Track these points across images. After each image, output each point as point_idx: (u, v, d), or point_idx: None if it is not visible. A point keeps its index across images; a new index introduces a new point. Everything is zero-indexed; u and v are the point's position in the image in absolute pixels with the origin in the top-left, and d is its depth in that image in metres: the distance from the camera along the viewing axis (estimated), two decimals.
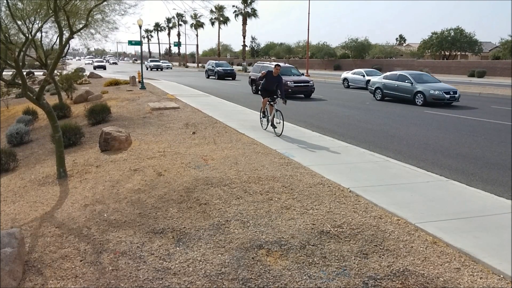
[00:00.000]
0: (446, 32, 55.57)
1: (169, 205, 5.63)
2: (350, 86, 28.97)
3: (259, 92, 11.05)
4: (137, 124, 12.08)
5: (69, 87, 20.60)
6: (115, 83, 27.84)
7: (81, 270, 4.08)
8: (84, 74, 32.75)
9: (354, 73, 29.44)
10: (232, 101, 18.46)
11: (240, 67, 59.63)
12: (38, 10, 13.18)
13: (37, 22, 13.81)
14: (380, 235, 4.64)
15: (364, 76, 27.83)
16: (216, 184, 6.32)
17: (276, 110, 10.34)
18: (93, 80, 33.20)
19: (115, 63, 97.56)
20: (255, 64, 25.77)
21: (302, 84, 21.25)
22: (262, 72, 11.34)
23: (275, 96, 10.60)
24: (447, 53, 57.64)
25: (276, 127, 10.40)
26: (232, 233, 4.73)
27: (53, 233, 5.02)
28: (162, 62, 66.42)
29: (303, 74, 22.41)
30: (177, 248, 4.44)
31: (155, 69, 60.58)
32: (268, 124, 10.80)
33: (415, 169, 7.43)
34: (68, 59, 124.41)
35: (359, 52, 63.68)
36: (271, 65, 21.77)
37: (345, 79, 29.83)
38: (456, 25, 64.63)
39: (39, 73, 39.66)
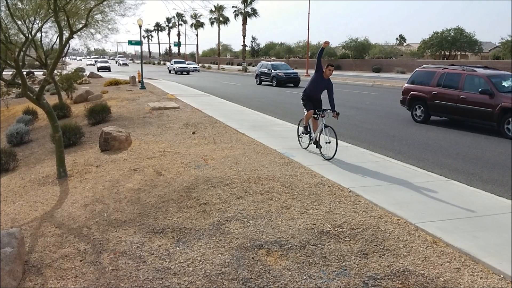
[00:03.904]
0: (446, 32, 55.52)
1: (169, 204, 5.63)
2: None
3: (302, 101, 8.61)
4: (137, 124, 12.08)
5: (69, 87, 20.62)
6: (115, 83, 27.85)
7: (81, 270, 4.08)
8: (84, 74, 32.78)
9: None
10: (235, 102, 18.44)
11: (240, 67, 59.67)
12: (38, 10, 13.18)
13: (37, 22, 13.82)
14: (380, 235, 4.64)
15: None
16: (216, 184, 6.32)
17: (325, 126, 7.90)
18: (93, 80, 33.22)
19: (126, 64, 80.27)
20: (418, 70, 14.61)
21: None
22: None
23: (324, 109, 8.14)
24: (447, 53, 57.59)
25: (321, 147, 8.10)
26: (232, 233, 4.73)
27: (53, 233, 5.03)
28: (188, 64, 52.05)
29: None
30: (177, 248, 4.44)
31: (180, 73, 47.16)
32: (310, 143, 8.57)
33: (415, 169, 7.44)
34: (73, 59, 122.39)
35: (359, 52, 63.67)
36: (446, 69, 12.92)
37: None
38: (456, 25, 64.61)
39: (39, 73, 39.65)
